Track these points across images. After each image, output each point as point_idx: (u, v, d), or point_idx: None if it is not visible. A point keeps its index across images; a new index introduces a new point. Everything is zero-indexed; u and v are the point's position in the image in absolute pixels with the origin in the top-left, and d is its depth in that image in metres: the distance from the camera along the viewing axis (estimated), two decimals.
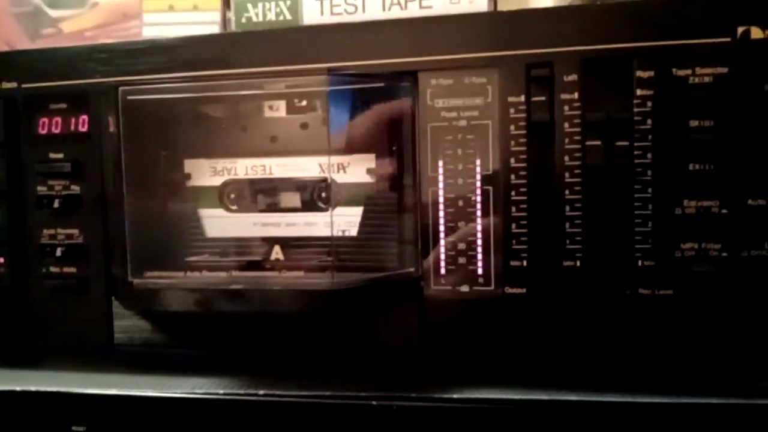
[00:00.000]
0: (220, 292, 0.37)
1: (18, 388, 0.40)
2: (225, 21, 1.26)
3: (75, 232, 0.41)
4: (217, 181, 0.41)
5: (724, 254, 0.34)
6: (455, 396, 0.36)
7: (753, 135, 0.34)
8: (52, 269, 0.42)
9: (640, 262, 0.35)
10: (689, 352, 0.35)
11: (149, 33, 1.21)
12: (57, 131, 0.41)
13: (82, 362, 0.43)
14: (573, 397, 0.35)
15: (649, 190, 0.35)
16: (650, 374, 0.36)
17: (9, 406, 0.40)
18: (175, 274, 0.38)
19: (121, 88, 0.38)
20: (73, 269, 0.41)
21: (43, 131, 0.41)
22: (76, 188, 0.41)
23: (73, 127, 0.41)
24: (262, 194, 0.40)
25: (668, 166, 0.34)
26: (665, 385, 0.35)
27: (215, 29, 1.22)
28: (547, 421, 0.35)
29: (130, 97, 0.38)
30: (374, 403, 0.37)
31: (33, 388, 0.40)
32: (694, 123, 0.34)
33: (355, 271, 0.38)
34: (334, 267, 0.37)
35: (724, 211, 0.34)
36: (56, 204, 0.41)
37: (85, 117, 0.41)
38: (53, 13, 1.33)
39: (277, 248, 0.40)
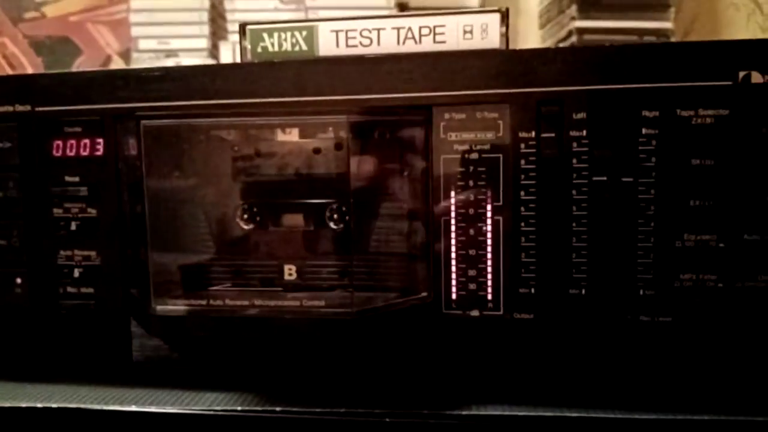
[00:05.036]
0: (241, 321, 0.38)
1: (39, 405, 0.41)
2: (216, 16, 1.24)
3: (92, 253, 0.42)
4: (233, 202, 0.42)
5: (720, 285, 0.36)
6: (464, 413, 0.38)
7: (751, 174, 0.36)
8: (70, 290, 0.42)
9: (641, 291, 0.37)
10: (686, 375, 0.37)
11: (136, 19, 1.20)
12: (72, 154, 0.42)
13: (101, 380, 0.44)
14: (575, 414, 0.38)
15: (652, 223, 0.36)
16: (649, 394, 0.38)
17: (30, 422, 0.41)
18: (197, 302, 0.39)
19: (138, 114, 0.38)
20: (90, 290, 0.42)
21: (57, 154, 0.42)
22: (92, 211, 0.42)
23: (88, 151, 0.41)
24: (277, 215, 0.41)
25: (670, 201, 0.36)
26: (662, 403, 0.38)
27: (204, 16, 1.21)
28: None
29: (146, 123, 0.39)
30: (388, 420, 0.38)
31: (54, 405, 0.41)
32: (695, 161, 0.36)
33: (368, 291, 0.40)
34: (354, 297, 0.38)
35: (722, 244, 0.36)
36: (73, 226, 0.41)
37: (100, 140, 0.41)
38: None
39: (291, 268, 0.41)
